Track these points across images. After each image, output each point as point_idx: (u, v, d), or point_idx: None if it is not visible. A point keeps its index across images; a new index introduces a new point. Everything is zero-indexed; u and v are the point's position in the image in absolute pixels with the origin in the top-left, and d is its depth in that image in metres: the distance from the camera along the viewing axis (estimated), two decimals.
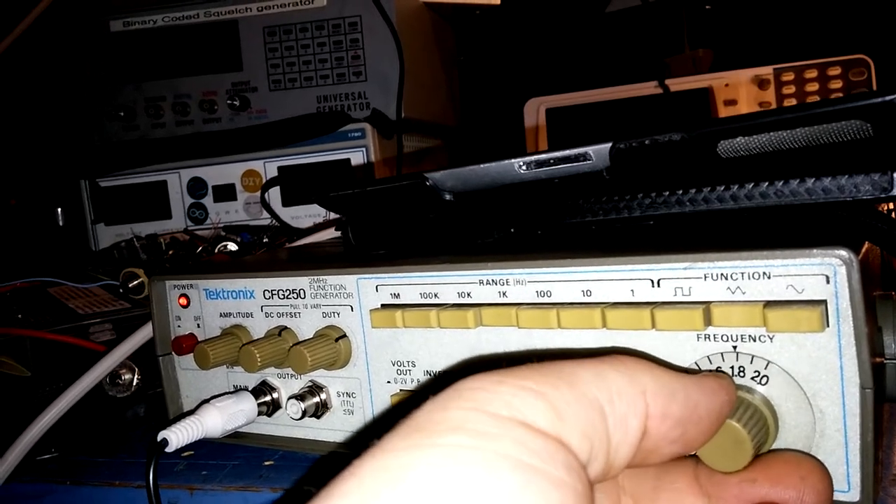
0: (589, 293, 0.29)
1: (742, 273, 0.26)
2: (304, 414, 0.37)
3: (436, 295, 0.33)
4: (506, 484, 0.15)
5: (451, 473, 0.15)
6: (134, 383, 0.49)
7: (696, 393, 0.21)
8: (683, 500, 0.23)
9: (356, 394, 0.37)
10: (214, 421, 0.36)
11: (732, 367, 0.27)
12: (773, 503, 0.22)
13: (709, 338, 0.27)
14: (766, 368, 0.26)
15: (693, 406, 0.21)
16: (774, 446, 0.26)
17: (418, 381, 0.35)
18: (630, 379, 0.20)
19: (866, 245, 0.27)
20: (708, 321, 0.27)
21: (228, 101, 0.88)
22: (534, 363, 0.19)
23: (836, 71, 0.89)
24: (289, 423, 0.39)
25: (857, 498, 0.25)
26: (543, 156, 0.31)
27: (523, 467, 0.16)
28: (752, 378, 0.26)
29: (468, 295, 0.32)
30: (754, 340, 0.26)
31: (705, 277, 0.27)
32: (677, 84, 0.94)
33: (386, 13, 0.84)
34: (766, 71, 0.92)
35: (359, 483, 0.15)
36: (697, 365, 0.27)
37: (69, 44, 0.92)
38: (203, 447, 0.40)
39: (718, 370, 0.27)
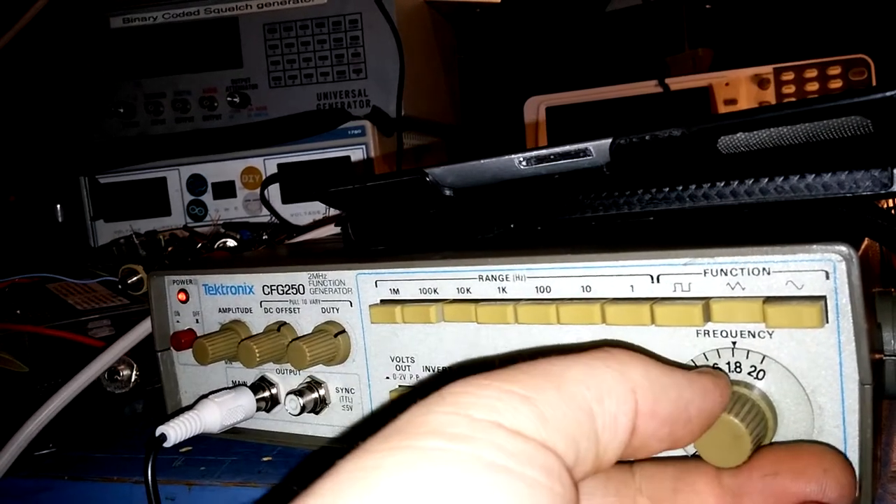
0: (588, 289, 0.29)
1: (742, 269, 0.26)
2: (302, 409, 0.37)
3: (435, 290, 0.33)
4: (476, 484, 0.15)
5: (423, 474, 0.15)
6: (132, 379, 0.49)
7: (687, 391, 0.21)
8: (704, 503, 0.23)
9: (355, 389, 0.37)
10: (213, 416, 0.36)
11: (731, 363, 0.27)
12: (795, 497, 0.22)
13: (708, 333, 0.27)
14: (765, 364, 0.26)
15: (684, 405, 0.21)
16: (773, 441, 0.26)
17: (417, 377, 0.34)
18: (620, 375, 0.19)
19: (866, 241, 0.27)
20: (707, 317, 0.26)
21: (228, 98, 0.88)
22: (524, 363, 0.19)
23: (835, 70, 0.89)
24: (287, 419, 0.39)
25: (855, 494, 0.25)
26: (543, 151, 0.31)
27: (496, 469, 0.16)
28: (751, 373, 0.26)
29: (468, 290, 0.32)
30: (754, 336, 0.26)
31: (705, 273, 0.27)
32: (677, 83, 0.94)
33: (386, 11, 0.83)
34: (766, 70, 0.92)
35: (334, 483, 0.16)
36: (693, 362, 0.27)
37: (69, 40, 0.92)
38: (201, 443, 0.40)
39: (715, 366, 0.27)
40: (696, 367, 0.27)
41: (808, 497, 0.22)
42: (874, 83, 0.88)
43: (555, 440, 0.17)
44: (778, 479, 0.22)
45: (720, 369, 0.27)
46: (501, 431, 0.17)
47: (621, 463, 0.21)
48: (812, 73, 0.90)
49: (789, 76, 0.91)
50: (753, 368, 0.26)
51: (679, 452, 0.26)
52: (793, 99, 0.91)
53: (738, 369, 0.27)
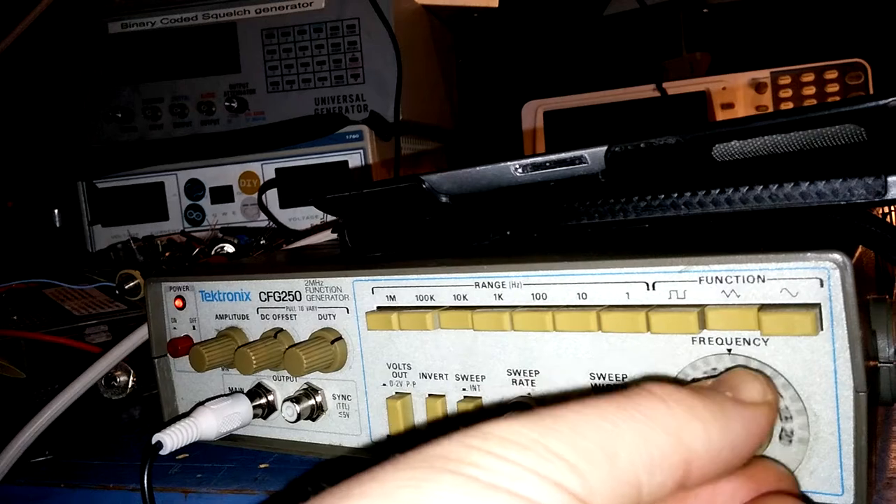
0: (584, 296, 0.29)
1: (737, 276, 0.26)
2: (299, 416, 0.37)
3: (431, 297, 0.33)
4: None
5: (468, 497, 0.15)
6: (129, 385, 0.49)
7: (742, 437, 0.20)
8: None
9: (352, 396, 0.37)
10: (209, 423, 0.36)
11: (728, 369, 0.27)
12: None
13: (703, 341, 0.27)
14: (760, 371, 0.26)
15: (737, 449, 0.20)
16: (769, 449, 0.26)
17: (414, 384, 0.34)
18: (678, 444, 0.18)
19: (860, 249, 0.27)
20: (703, 324, 0.27)
21: (226, 103, 0.88)
22: (573, 411, 0.18)
23: (832, 74, 0.90)
24: (284, 426, 0.39)
25: (850, 501, 0.25)
26: (539, 158, 0.31)
27: None
28: None
29: (464, 297, 0.32)
30: (749, 343, 0.26)
31: (700, 280, 0.27)
32: (674, 87, 0.94)
33: (384, 16, 0.84)
34: (763, 74, 0.92)
35: (381, 487, 0.16)
36: (694, 366, 0.27)
37: (67, 45, 0.92)
38: (198, 450, 0.40)
39: (714, 371, 0.27)
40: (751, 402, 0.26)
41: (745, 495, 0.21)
42: (871, 87, 0.88)
43: None
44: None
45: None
46: (544, 482, 0.16)
47: None
48: (809, 78, 0.90)
49: (786, 80, 0.91)
50: None
51: None
52: (790, 103, 0.91)
53: None
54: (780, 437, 0.26)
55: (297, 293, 0.37)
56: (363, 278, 0.35)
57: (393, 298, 0.34)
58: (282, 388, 0.39)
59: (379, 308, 0.35)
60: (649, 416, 0.18)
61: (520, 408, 0.31)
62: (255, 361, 0.36)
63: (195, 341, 0.40)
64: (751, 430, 0.20)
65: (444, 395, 0.34)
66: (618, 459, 0.17)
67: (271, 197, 0.85)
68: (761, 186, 0.28)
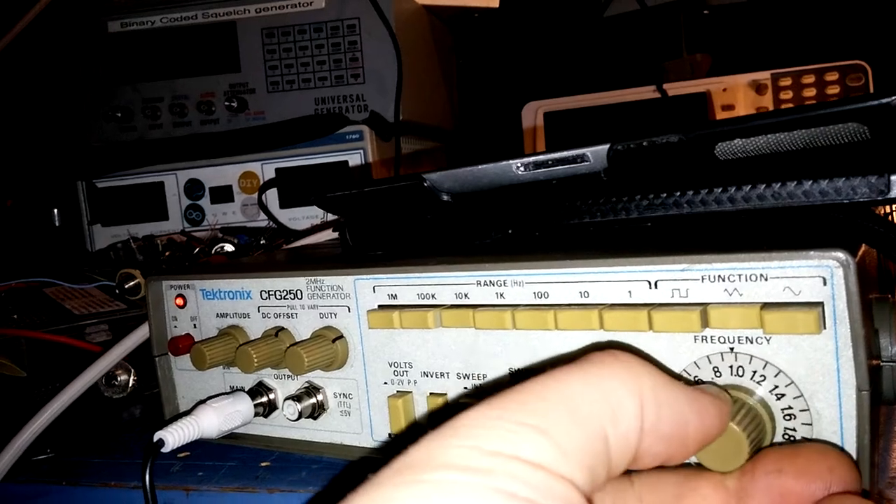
0: (586, 294, 0.29)
1: (739, 275, 0.26)
2: (300, 415, 0.37)
3: (433, 296, 0.33)
4: None
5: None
6: (130, 384, 0.49)
7: (687, 411, 0.21)
8: None
9: (353, 395, 0.37)
10: (211, 422, 0.36)
11: (729, 368, 0.27)
12: (800, 495, 0.22)
13: (706, 339, 0.27)
14: (763, 369, 0.26)
15: (683, 424, 0.20)
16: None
17: (415, 383, 0.34)
18: (632, 387, 0.19)
19: (863, 247, 0.27)
20: (705, 323, 0.27)
21: (226, 103, 0.88)
22: (533, 383, 0.19)
23: (833, 76, 0.90)
24: (285, 424, 0.39)
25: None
26: (541, 157, 0.31)
27: (518, 500, 0.15)
28: (749, 379, 0.26)
29: (465, 296, 0.32)
30: (751, 342, 0.26)
31: (703, 279, 0.27)
32: (675, 88, 0.94)
33: (384, 16, 0.84)
34: (764, 76, 0.92)
35: None
36: (697, 365, 0.27)
37: (67, 44, 0.92)
38: (199, 448, 0.40)
39: (716, 370, 0.27)
40: (700, 382, 0.27)
41: (812, 495, 0.21)
42: (871, 89, 0.89)
43: (573, 471, 0.17)
44: (782, 478, 0.22)
45: (718, 385, 0.27)
46: (519, 463, 0.16)
47: None
48: (809, 79, 0.91)
49: (787, 82, 0.91)
50: (752, 374, 0.26)
51: None
52: (790, 105, 0.91)
53: (738, 374, 0.27)
54: (784, 436, 0.26)
55: (299, 291, 0.37)
56: (364, 277, 0.35)
57: (394, 297, 0.34)
58: (283, 386, 0.39)
59: (380, 306, 0.35)
60: (604, 368, 0.19)
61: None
62: (256, 360, 0.36)
63: (196, 340, 0.40)
64: (694, 403, 0.21)
65: (445, 394, 0.34)
66: (578, 411, 0.18)
67: (271, 197, 0.85)
68: (764, 185, 0.28)
